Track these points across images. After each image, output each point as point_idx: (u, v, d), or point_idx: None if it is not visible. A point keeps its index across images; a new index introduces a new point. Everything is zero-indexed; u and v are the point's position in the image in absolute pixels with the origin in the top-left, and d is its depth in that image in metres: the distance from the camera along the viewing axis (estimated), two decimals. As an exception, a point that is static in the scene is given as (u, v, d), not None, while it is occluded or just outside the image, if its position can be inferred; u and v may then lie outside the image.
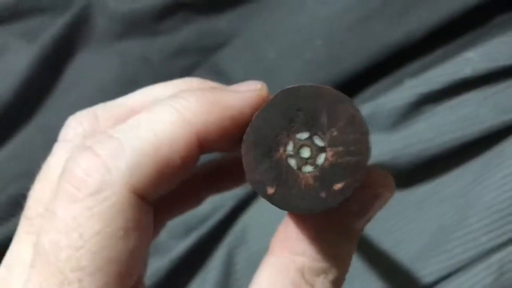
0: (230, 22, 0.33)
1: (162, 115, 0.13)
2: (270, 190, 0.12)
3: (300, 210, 0.12)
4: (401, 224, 0.28)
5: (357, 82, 0.30)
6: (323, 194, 0.12)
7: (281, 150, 0.12)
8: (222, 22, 0.34)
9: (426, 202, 0.28)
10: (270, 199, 0.12)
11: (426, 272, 0.27)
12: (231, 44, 0.33)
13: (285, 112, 0.12)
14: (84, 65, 0.34)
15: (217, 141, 0.14)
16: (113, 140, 0.13)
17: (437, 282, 0.26)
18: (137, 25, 0.34)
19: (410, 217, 0.28)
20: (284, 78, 0.31)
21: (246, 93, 0.14)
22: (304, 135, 0.12)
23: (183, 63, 0.34)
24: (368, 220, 0.15)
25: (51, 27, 0.34)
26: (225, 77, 0.32)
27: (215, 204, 0.29)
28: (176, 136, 0.13)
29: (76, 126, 0.15)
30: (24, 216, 0.15)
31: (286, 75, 0.31)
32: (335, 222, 0.14)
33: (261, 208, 0.29)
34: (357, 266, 0.28)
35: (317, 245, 0.14)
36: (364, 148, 0.12)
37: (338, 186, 0.12)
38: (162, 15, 0.34)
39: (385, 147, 0.28)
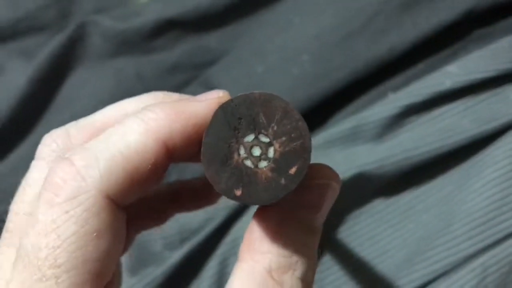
0: (220, 40, 0.35)
1: (131, 127, 0.15)
2: (238, 192, 0.14)
3: (267, 200, 0.14)
4: (387, 232, 0.29)
5: (342, 96, 0.31)
6: (282, 181, 0.14)
7: (236, 156, 0.14)
8: (212, 39, 0.35)
9: (411, 210, 0.29)
10: (240, 199, 0.14)
11: (411, 277, 0.27)
12: (222, 60, 0.34)
13: (228, 123, 0.14)
14: (79, 83, 0.35)
15: (185, 148, 0.15)
16: (88, 151, 0.14)
17: (423, 287, 0.27)
18: (131, 44, 0.35)
19: (396, 225, 0.29)
20: (273, 92, 0.32)
21: (209, 101, 0.15)
22: (250, 137, 0.14)
23: (175, 80, 0.35)
24: (324, 214, 0.16)
25: (47, 46, 0.35)
26: (216, 92, 0.33)
27: (208, 215, 0.30)
28: (145, 145, 0.14)
29: (50, 144, 0.16)
30: (5, 229, 0.16)
31: (275, 89, 0.32)
32: (295, 219, 0.15)
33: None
34: (343, 274, 0.28)
35: (281, 242, 0.15)
36: (303, 132, 0.14)
37: (293, 169, 0.14)
38: (155, 34, 0.35)
39: (370, 157, 0.29)
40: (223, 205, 0.30)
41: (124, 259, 0.29)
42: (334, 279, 0.29)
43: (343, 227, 0.30)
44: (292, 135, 0.14)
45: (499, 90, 0.30)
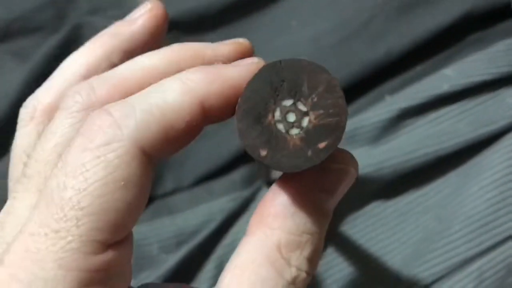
0: (217, 41, 0.34)
1: (170, 85, 0.15)
2: (263, 153, 0.14)
3: (289, 168, 0.14)
4: (386, 234, 0.29)
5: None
6: (309, 153, 0.13)
7: (270, 116, 0.14)
8: (210, 41, 0.35)
9: (410, 212, 0.29)
10: (263, 160, 0.14)
11: (410, 281, 0.28)
12: (220, 62, 0.34)
13: (271, 83, 0.14)
14: (75, 84, 0.34)
15: (220, 109, 0.15)
16: (126, 103, 0.15)
17: (421, 290, 0.27)
18: (126, 45, 0.35)
19: (394, 227, 0.29)
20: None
21: (245, 66, 0.15)
22: (289, 102, 0.14)
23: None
24: (337, 199, 0.16)
25: (42, 47, 0.34)
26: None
27: (205, 217, 0.30)
28: (182, 102, 0.14)
29: (74, 95, 0.16)
30: (23, 175, 0.16)
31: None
32: (309, 199, 0.15)
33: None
34: (342, 276, 0.28)
35: (293, 221, 0.15)
36: (341, 110, 0.14)
37: (322, 144, 0.13)
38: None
39: (368, 160, 0.29)
40: (220, 208, 0.30)
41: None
42: (335, 279, 0.29)
43: (340, 229, 0.30)
44: (330, 110, 0.14)
45: (496, 93, 0.30)
